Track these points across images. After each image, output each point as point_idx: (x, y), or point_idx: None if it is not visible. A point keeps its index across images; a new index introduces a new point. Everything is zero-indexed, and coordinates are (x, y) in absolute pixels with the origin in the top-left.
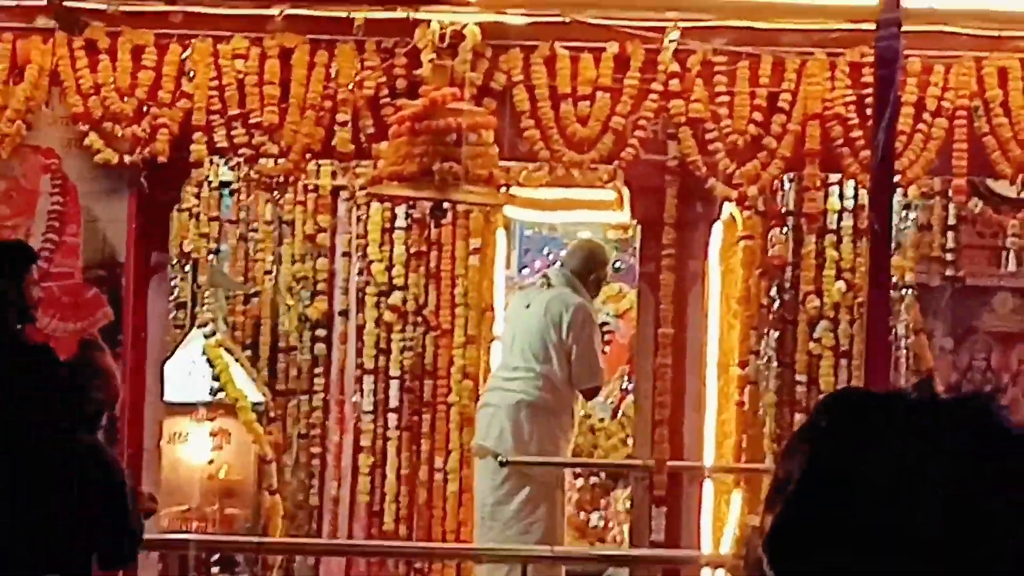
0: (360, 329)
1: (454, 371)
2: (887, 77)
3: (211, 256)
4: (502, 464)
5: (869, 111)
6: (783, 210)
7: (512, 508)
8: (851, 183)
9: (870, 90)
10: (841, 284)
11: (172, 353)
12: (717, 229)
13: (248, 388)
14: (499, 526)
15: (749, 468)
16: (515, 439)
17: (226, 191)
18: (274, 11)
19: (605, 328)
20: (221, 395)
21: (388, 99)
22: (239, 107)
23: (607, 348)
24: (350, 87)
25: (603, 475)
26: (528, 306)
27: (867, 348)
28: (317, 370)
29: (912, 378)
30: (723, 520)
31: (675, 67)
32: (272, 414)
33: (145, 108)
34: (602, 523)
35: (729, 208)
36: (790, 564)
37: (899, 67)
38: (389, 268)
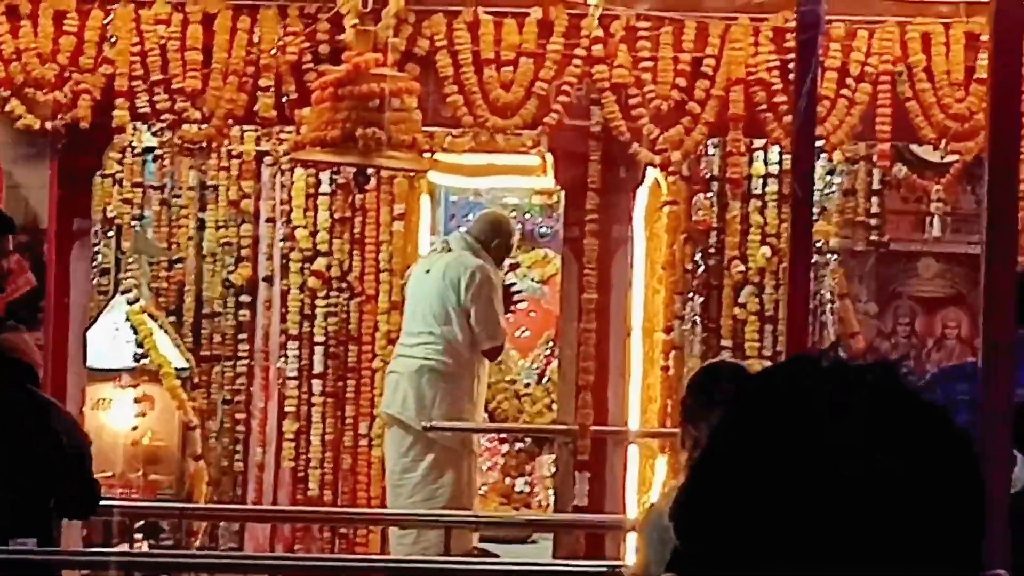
0: (284, 295)
1: (378, 336)
2: (809, 42)
3: (134, 222)
4: (425, 430)
5: (792, 76)
6: (707, 175)
7: (418, 474)
8: (775, 148)
9: (793, 55)
10: (766, 249)
11: (95, 319)
12: (641, 194)
13: (172, 354)
14: (406, 492)
15: (673, 433)
16: (417, 405)
17: (149, 157)
18: None
19: (517, 292)
20: (145, 361)
21: (311, 64)
22: (161, 73)
23: (533, 314)
24: (273, 52)
25: (528, 440)
26: (428, 271)
27: (788, 313)
28: (241, 336)
29: (837, 343)
30: (648, 485)
31: (598, 32)
32: (196, 380)
33: (67, 74)
34: (527, 488)
35: (653, 173)
36: (695, 536)
37: (821, 32)
38: (313, 234)
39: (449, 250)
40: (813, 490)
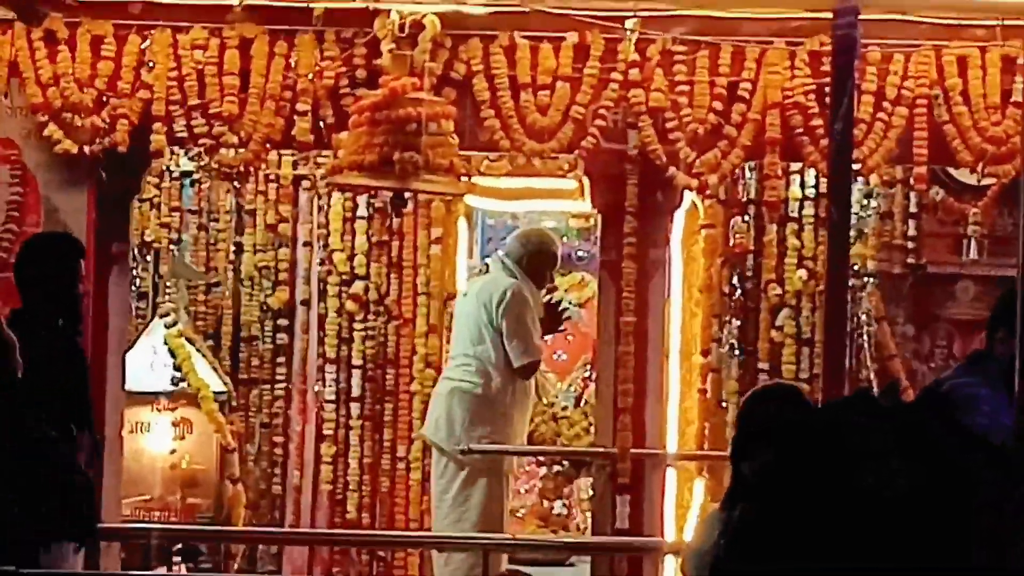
0: (322, 318)
1: (416, 360)
2: (845, 66)
3: (172, 246)
4: (463, 452)
5: (829, 100)
6: (744, 198)
7: (450, 495)
8: (812, 171)
9: (829, 79)
10: (802, 272)
11: (134, 343)
12: (678, 218)
13: (210, 378)
14: (442, 513)
15: (711, 456)
16: (447, 426)
17: (187, 181)
18: (233, 1)
19: (564, 310)
20: (183, 385)
21: (348, 89)
22: (199, 97)
23: (570, 337)
24: (310, 77)
25: (566, 463)
26: (466, 295)
27: (825, 336)
28: (279, 359)
29: (873, 366)
30: (686, 508)
31: (635, 56)
32: (234, 403)
33: (105, 98)
34: (565, 511)
35: (690, 197)
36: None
37: (857, 56)
38: (351, 257)
39: (488, 272)
40: (866, 528)
